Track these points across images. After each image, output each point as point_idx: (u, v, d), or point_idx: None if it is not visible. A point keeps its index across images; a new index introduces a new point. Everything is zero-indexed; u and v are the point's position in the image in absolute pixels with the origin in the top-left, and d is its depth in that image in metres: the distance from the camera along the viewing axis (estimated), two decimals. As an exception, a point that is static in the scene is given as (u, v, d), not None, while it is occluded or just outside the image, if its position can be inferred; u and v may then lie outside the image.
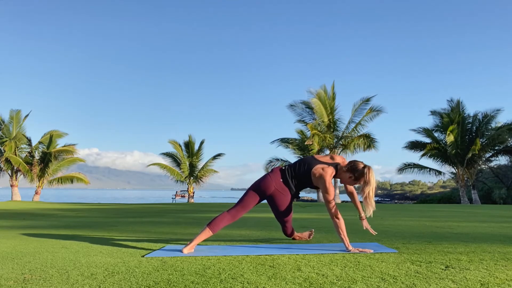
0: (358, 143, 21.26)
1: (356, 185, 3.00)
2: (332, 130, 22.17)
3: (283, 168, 3.06)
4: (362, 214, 3.15)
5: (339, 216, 2.79)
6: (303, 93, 31.83)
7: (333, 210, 2.79)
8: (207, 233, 2.88)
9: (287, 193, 3.00)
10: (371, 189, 2.76)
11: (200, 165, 25.07)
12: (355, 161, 2.89)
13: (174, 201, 31.02)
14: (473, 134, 22.29)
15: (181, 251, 2.79)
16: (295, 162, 3.08)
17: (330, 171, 2.86)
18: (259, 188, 3.01)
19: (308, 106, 22.58)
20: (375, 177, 2.81)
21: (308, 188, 3.12)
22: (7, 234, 4.27)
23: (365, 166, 2.83)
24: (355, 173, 2.84)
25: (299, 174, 2.97)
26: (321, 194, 23.04)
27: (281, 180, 3.00)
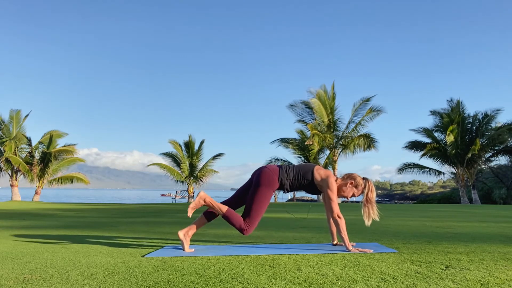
0: (358, 143, 21.26)
1: (350, 197, 3.00)
2: (332, 130, 22.17)
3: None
4: (336, 241, 3.12)
5: (341, 215, 2.82)
6: (303, 93, 31.85)
7: (335, 209, 2.82)
8: (202, 220, 2.98)
9: (275, 174, 2.89)
10: (374, 195, 2.93)
11: (200, 165, 25.08)
12: (350, 173, 3.03)
13: (174, 201, 31.00)
14: (473, 134, 22.28)
15: (177, 233, 2.94)
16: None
17: (334, 176, 2.96)
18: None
19: (308, 106, 22.58)
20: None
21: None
22: (7, 234, 4.27)
23: (364, 177, 2.99)
24: (355, 179, 2.96)
25: (300, 168, 2.96)
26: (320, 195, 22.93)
27: (274, 165, 3.02)
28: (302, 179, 2.91)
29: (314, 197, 30.30)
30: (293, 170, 2.94)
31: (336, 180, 2.95)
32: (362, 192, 2.96)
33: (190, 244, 3.04)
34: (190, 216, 2.90)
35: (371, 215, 2.89)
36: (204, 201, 2.87)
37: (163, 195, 77.89)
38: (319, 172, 2.91)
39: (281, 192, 3.13)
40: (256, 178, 2.94)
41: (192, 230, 2.96)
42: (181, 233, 2.91)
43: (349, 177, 2.98)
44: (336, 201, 2.85)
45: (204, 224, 3.01)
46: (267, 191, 2.89)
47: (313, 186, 2.94)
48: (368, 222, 2.91)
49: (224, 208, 2.88)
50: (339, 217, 2.80)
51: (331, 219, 3.01)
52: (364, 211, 2.91)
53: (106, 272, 2.17)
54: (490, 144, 21.51)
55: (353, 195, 2.98)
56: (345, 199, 3.04)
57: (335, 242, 3.10)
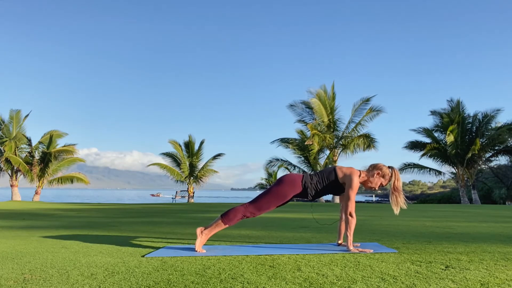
0: (358, 143, 21.26)
1: (378, 187, 2.99)
2: (332, 130, 22.16)
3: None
4: (341, 241, 3.12)
5: (354, 215, 2.82)
6: (303, 93, 31.84)
7: (350, 207, 2.81)
8: (220, 225, 2.91)
9: (299, 177, 2.92)
10: (401, 184, 2.94)
11: (200, 165, 25.08)
12: (375, 163, 3.02)
13: (174, 201, 31.00)
14: (473, 134, 22.28)
15: (196, 230, 2.91)
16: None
17: (358, 172, 2.95)
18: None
19: (308, 106, 22.59)
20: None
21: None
22: (7, 234, 4.27)
23: (390, 166, 2.99)
24: (381, 169, 2.94)
25: (322, 171, 2.97)
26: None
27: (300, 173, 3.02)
28: (326, 180, 2.90)
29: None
30: (316, 174, 2.96)
31: (360, 174, 2.93)
32: (389, 181, 2.95)
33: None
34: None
35: (399, 203, 2.89)
36: (204, 234, 2.88)
37: (152, 195, 78.00)
38: (341, 170, 2.91)
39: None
40: (279, 178, 2.99)
41: (210, 230, 2.90)
42: (198, 230, 2.90)
43: (374, 167, 2.97)
44: (353, 199, 2.83)
45: (223, 227, 2.93)
46: (287, 189, 2.87)
47: (338, 185, 2.90)
48: (396, 211, 2.91)
49: (220, 219, 2.89)
50: (351, 215, 2.79)
51: (343, 217, 3.00)
52: (392, 199, 2.91)
53: (106, 272, 2.17)
54: (490, 144, 21.51)
55: (381, 185, 2.97)
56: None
57: (340, 241, 3.10)
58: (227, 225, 2.89)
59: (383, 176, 2.95)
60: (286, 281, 1.94)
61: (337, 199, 20.07)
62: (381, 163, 2.99)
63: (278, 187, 2.89)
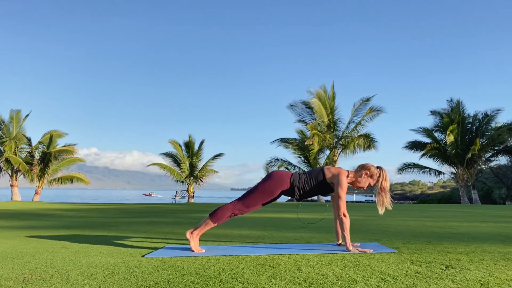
0: (358, 143, 21.26)
1: (366, 187, 2.98)
2: (332, 130, 22.17)
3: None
4: (340, 241, 3.12)
5: (347, 214, 2.81)
6: (303, 93, 31.86)
7: (342, 208, 2.80)
8: (210, 224, 2.92)
9: (287, 175, 2.92)
10: (388, 184, 2.93)
11: (200, 165, 25.08)
12: (363, 163, 3.01)
13: (174, 201, 31.00)
14: (473, 134, 22.27)
15: (185, 234, 2.93)
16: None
17: (346, 172, 2.94)
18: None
19: (308, 106, 22.59)
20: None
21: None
22: (7, 234, 4.27)
23: (378, 166, 2.97)
24: (369, 170, 2.93)
25: (310, 171, 2.98)
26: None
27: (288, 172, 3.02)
28: (314, 180, 2.89)
29: (314, 196, 30.27)
30: (304, 173, 2.96)
31: (348, 174, 2.92)
32: (377, 181, 2.94)
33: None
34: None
35: (385, 203, 2.89)
36: (195, 235, 2.90)
37: (145, 194, 78.30)
38: (329, 170, 2.90)
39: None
40: (268, 174, 2.99)
41: (199, 230, 2.92)
42: (188, 234, 2.91)
43: (363, 167, 2.96)
44: (344, 199, 2.83)
45: (211, 226, 2.94)
46: (274, 185, 2.87)
47: (325, 186, 2.89)
48: (381, 211, 2.91)
49: (208, 218, 2.90)
50: (344, 215, 2.79)
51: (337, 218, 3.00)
52: (378, 200, 2.91)
53: (106, 272, 2.17)
54: (490, 144, 21.51)
55: (369, 185, 2.96)
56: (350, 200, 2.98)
57: (339, 242, 3.09)
58: (216, 224, 2.90)
59: (371, 176, 2.93)
60: (286, 281, 1.94)
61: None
62: (370, 163, 2.98)
63: (265, 183, 2.89)
